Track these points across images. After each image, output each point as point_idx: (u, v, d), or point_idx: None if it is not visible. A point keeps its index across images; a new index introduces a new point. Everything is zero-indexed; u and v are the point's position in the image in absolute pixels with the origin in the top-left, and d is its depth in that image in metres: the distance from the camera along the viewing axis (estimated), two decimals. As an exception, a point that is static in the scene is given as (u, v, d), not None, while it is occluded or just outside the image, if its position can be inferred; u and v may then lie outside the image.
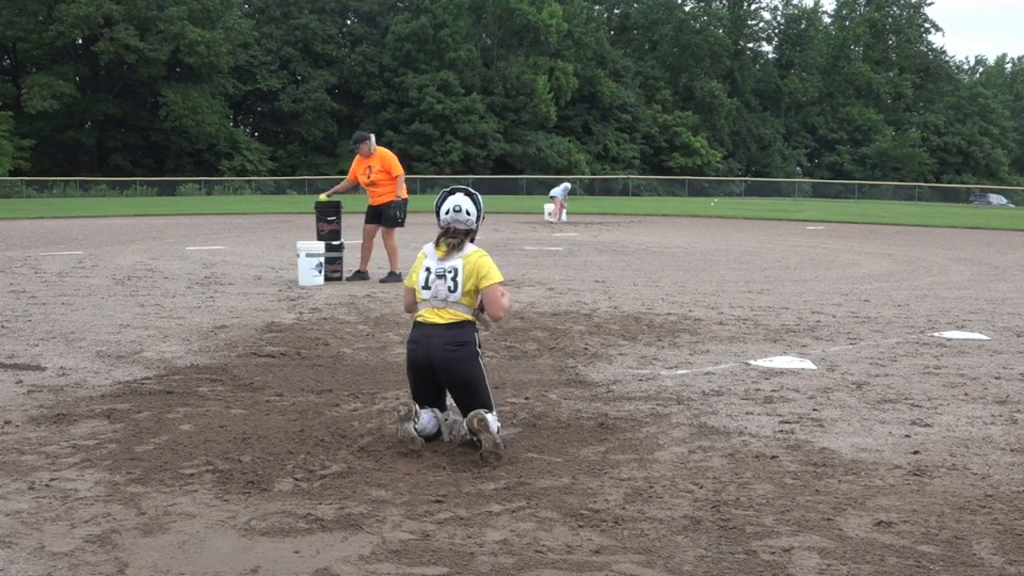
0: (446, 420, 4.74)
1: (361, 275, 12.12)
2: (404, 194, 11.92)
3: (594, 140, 73.90)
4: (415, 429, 4.50)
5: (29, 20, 55.92)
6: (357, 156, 11.93)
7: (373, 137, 12.11)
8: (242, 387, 5.85)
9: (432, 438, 4.65)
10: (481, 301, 4.66)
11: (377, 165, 11.78)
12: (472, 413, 4.43)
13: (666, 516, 3.70)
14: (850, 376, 6.40)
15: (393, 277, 11.79)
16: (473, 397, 4.56)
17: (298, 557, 3.27)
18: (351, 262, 13.55)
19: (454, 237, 4.68)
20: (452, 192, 4.82)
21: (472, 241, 4.78)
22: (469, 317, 4.62)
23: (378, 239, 12.22)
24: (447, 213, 4.73)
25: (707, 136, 78.36)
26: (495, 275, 4.63)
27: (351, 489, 3.98)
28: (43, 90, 54.76)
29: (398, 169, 11.86)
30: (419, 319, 4.67)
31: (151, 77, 59.41)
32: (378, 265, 14.13)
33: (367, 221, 12.14)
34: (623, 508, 3.79)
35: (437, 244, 4.70)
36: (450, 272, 4.60)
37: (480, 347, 4.65)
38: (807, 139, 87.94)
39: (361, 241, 12.35)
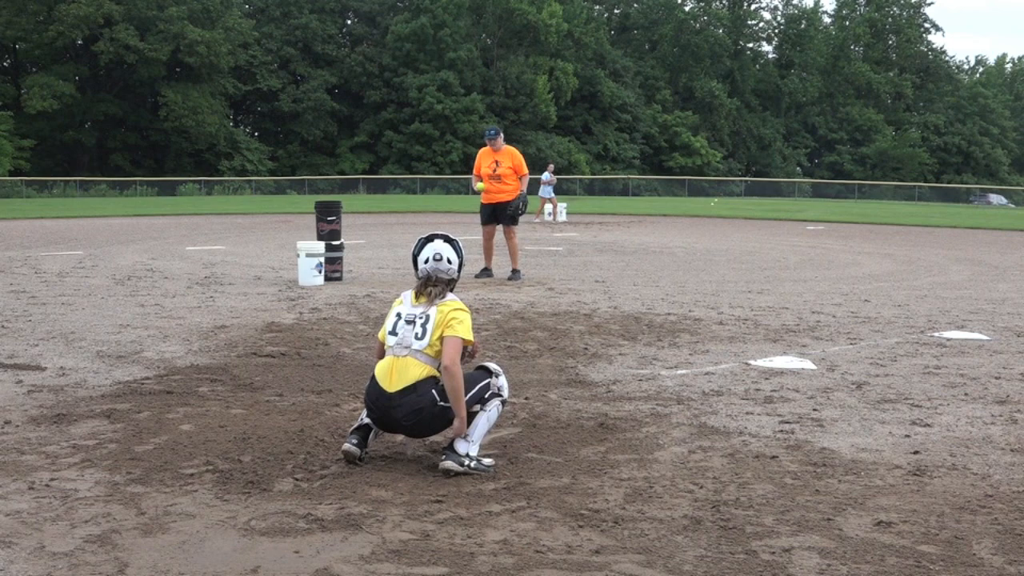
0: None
1: (487, 272, 12.19)
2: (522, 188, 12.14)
3: (594, 140, 73.90)
4: (354, 445, 4.27)
5: (29, 20, 55.94)
6: (486, 149, 12.09)
7: (501, 134, 12.21)
8: (242, 387, 5.85)
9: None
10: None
11: (507, 161, 11.93)
12: (443, 464, 4.16)
13: (666, 516, 3.70)
14: (850, 376, 6.39)
15: (516, 275, 11.96)
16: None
17: (298, 557, 3.27)
18: (351, 262, 13.55)
19: (435, 286, 4.38)
20: (430, 239, 4.49)
21: (452, 290, 4.47)
22: (428, 372, 4.24)
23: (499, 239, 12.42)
24: (426, 262, 4.40)
25: (707, 136, 78.36)
26: (464, 332, 4.26)
27: (351, 489, 3.98)
28: (43, 90, 54.80)
29: (525, 169, 12.09)
30: (376, 372, 4.32)
31: (151, 77, 59.45)
32: (378, 265, 14.13)
33: (484, 222, 12.28)
34: (623, 508, 3.79)
35: (418, 294, 4.39)
36: (421, 318, 4.29)
37: (441, 399, 4.20)
38: (807, 139, 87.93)
39: (482, 241, 12.46)
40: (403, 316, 4.35)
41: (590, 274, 13.08)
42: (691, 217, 33.29)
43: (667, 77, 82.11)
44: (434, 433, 4.40)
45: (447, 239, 4.52)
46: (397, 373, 4.24)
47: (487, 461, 4.27)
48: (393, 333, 4.34)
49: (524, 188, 12.11)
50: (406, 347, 4.28)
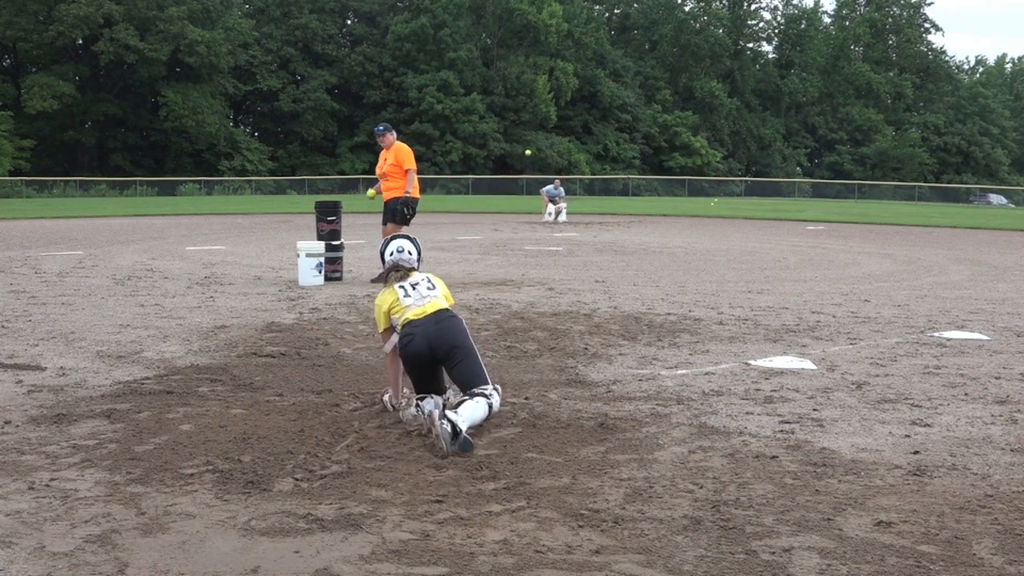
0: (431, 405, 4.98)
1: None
2: (414, 192, 11.45)
3: (594, 140, 73.88)
4: (416, 411, 4.95)
5: (29, 20, 55.90)
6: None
7: (391, 131, 11.55)
8: (242, 387, 5.86)
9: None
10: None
11: (391, 158, 11.33)
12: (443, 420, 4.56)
13: (666, 516, 3.70)
14: (850, 376, 6.40)
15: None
16: (470, 366, 4.97)
17: (298, 557, 3.27)
18: (351, 262, 13.55)
19: (398, 271, 5.33)
20: (394, 238, 5.49)
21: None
22: (449, 304, 5.26)
23: None
24: (391, 255, 5.36)
25: (707, 136, 78.33)
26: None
27: (351, 489, 3.98)
28: (43, 90, 54.76)
29: (410, 163, 11.36)
30: (410, 317, 5.13)
31: (151, 77, 59.41)
32: (378, 266, 14.13)
33: (383, 221, 11.67)
34: (623, 508, 3.79)
35: (386, 281, 5.39)
36: (424, 281, 5.27)
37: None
38: (807, 139, 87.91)
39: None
40: (406, 287, 5.25)
41: (590, 274, 13.08)
42: (691, 217, 33.29)
43: (667, 77, 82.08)
44: (453, 340, 5.01)
45: (408, 238, 5.51)
46: (430, 307, 5.13)
47: (427, 405, 4.76)
48: (407, 296, 5.20)
49: (409, 186, 11.31)
50: (423, 296, 5.19)
